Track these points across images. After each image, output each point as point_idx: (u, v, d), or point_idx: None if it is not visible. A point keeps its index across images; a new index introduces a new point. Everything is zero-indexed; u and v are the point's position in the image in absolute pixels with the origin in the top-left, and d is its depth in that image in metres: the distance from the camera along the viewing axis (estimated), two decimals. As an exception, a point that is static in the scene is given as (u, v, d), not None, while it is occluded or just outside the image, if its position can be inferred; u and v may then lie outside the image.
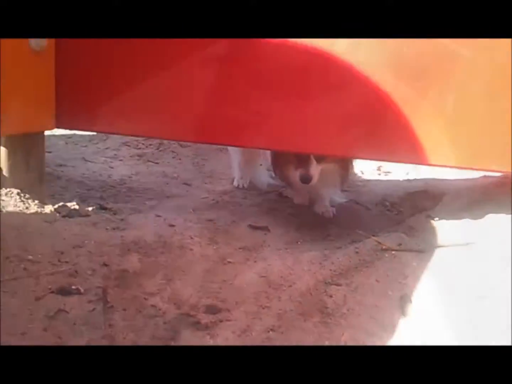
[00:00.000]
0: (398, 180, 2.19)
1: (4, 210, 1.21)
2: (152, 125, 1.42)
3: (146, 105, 1.39)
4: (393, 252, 1.19)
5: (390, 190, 2.01)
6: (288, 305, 0.96)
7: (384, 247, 1.20)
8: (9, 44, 1.17)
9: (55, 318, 0.88)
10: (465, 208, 1.43)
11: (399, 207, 1.82)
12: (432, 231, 1.32)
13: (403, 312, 0.94)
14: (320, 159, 1.43)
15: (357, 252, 1.19)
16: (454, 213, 1.40)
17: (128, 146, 2.49)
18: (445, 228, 1.31)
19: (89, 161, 2.18)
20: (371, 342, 0.85)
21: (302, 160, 1.43)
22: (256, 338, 0.86)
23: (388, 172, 2.38)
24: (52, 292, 0.94)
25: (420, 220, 1.43)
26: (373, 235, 1.29)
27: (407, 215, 1.59)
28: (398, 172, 2.29)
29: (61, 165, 2.00)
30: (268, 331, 0.88)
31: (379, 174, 2.38)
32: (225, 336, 0.86)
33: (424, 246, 1.22)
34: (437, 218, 1.38)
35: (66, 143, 2.47)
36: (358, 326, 0.90)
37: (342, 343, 0.84)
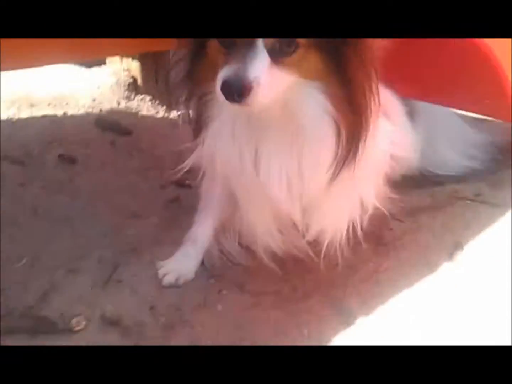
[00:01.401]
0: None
1: (139, 114, 1.53)
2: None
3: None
4: (468, 201, 1.24)
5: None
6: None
7: (460, 195, 1.25)
8: None
9: (173, 203, 1.18)
10: None
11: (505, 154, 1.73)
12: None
13: (451, 256, 1.05)
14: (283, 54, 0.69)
15: (431, 196, 1.26)
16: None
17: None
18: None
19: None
20: (410, 275, 1.00)
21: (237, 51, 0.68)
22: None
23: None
24: (172, 183, 1.24)
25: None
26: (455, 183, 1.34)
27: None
28: None
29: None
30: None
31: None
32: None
33: (500, 201, 1.24)
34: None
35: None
36: (404, 259, 1.04)
37: (382, 269, 1.00)
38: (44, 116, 1.30)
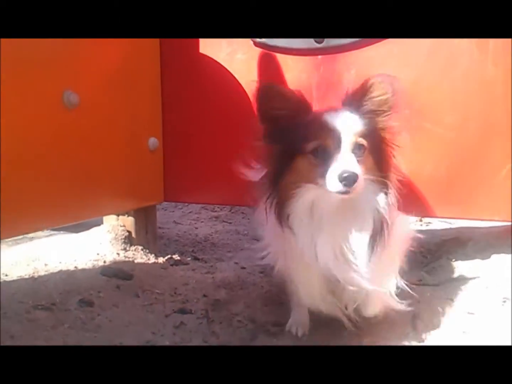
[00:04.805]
0: (436, 229, 2.52)
1: (135, 261, 1.79)
2: (231, 195, 1.96)
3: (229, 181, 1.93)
4: (413, 285, 1.57)
5: (427, 238, 2.36)
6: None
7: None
8: (132, 147, 1.78)
9: (179, 328, 1.38)
10: (479, 251, 1.78)
11: (435, 253, 2.16)
12: (449, 269, 1.68)
13: (413, 326, 1.32)
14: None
15: (385, 286, 1.58)
16: (469, 255, 1.75)
17: (206, 209, 3.09)
18: (459, 266, 1.67)
19: (179, 223, 2.78)
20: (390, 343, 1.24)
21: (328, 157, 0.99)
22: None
23: (429, 223, 2.72)
24: (175, 312, 1.45)
25: (442, 261, 1.79)
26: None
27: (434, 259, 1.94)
28: (436, 222, 2.64)
29: (160, 228, 2.61)
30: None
31: (421, 225, 2.72)
32: (285, 341, 1.30)
33: (439, 281, 1.59)
34: (454, 259, 1.74)
35: (158, 210, 3.12)
36: (377, 335, 1.29)
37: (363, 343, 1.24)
38: (59, 271, 1.52)
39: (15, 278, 1.47)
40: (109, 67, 1.66)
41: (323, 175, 0.97)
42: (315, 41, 1.67)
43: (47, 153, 1.39)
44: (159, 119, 1.92)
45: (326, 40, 1.66)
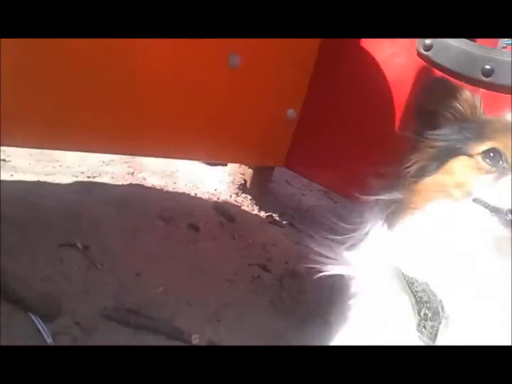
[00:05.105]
0: None
1: (242, 207, 2.02)
2: (343, 185, 2.04)
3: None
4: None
5: None
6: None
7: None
8: (272, 112, 1.91)
9: (255, 280, 1.58)
10: None
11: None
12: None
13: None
14: None
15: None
16: None
17: (319, 180, 3.20)
18: None
19: (289, 184, 2.95)
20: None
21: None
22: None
23: None
24: (258, 265, 1.65)
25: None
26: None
27: None
28: None
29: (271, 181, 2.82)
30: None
31: None
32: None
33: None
34: None
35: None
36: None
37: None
38: (182, 193, 1.82)
39: (150, 185, 1.80)
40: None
41: (488, 184, 0.74)
42: (483, 74, 1.55)
43: (207, 102, 1.62)
44: (303, 95, 2.01)
45: (495, 76, 1.54)
